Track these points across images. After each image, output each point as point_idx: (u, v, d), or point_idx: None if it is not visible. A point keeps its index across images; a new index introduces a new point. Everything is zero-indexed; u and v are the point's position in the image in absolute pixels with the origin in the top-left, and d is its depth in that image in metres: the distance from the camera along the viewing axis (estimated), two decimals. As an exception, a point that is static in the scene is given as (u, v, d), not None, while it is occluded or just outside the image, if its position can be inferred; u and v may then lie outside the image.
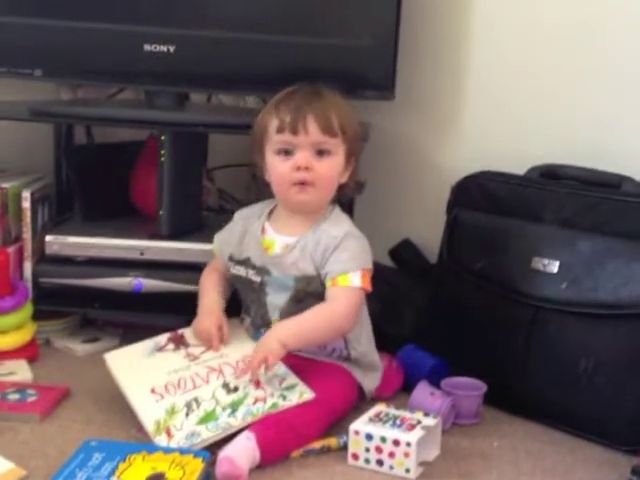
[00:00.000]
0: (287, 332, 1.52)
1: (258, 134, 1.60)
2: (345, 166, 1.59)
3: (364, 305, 1.63)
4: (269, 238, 1.61)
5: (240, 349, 1.58)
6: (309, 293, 1.57)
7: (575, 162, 1.76)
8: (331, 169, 1.57)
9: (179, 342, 1.61)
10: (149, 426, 1.45)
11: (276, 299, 1.59)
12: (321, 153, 1.55)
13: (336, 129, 1.55)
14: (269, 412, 1.46)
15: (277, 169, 1.57)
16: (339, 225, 1.59)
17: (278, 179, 1.58)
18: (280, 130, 1.55)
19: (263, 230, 1.62)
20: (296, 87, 1.60)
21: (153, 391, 1.50)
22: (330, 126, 1.54)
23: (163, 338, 1.62)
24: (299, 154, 1.55)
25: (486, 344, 1.67)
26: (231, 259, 1.65)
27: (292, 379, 1.52)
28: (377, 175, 1.71)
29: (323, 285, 1.56)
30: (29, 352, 1.77)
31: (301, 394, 1.50)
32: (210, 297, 1.64)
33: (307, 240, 1.58)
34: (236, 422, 1.44)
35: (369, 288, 1.56)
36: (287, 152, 1.56)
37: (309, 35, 1.80)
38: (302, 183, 1.55)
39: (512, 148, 1.89)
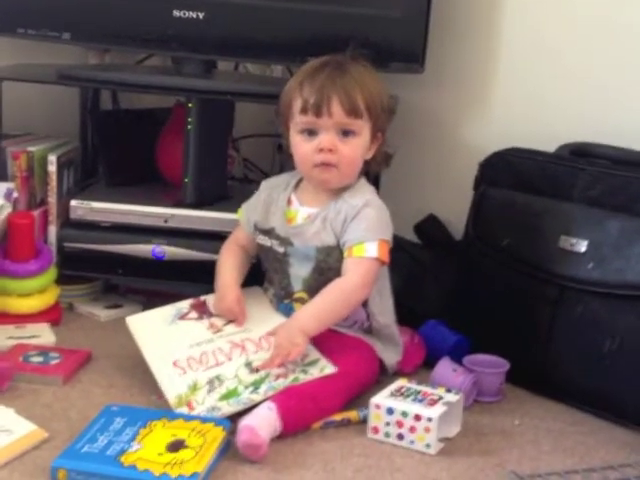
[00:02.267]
0: (307, 320, 1.51)
1: (283, 109, 1.58)
2: (371, 141, 1.57)
3: (386, 278, 1.62)
4: (293, 209, 1.60)
5: (264, 323, 1.57)
6: (331, 266, 1.56)
7: (605, 141, 1.73)
8: (355, 150, 1.54)
9: (202, 310, 1.61)
10: (171, 399, 1.45)
11: (299, 270, 1.58)
12: (346, 133, 1.53)
13: (361, 110, 1.52)
14: (291, 385, 1.46)
15: (300, 149, 1.55)
16: (360, 194, 1.57)
17: (301, 159, 1.56)
18: (303, 111, 1.53)
19: (289, 201, 1.61)
20: (323, 60, 1.56)
21: (175, 364, 1.50)
22: (355, 107, 1.51)
23: (185, 304, 1.62)
24: (323, 136, 1.53)
25: (510, 322, 1.65)
26: (256, 227, 1.64)
27: (314, 354, 1.51)
28: (404, 149, 1.69)
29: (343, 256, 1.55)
30: (52, 316, 1.78)
31: (322, 368, 1.49)
32: (228, 273, 1.63)
33: (329, 210, 1.56)
34: (258, 397, 1.44)
35: (386, 259, 1.55)
36: (311, 132, 1.54)
37: (339, 4, 1.78)
38: (325, 164, 1.54)
39: (541, 126, 1.87)
